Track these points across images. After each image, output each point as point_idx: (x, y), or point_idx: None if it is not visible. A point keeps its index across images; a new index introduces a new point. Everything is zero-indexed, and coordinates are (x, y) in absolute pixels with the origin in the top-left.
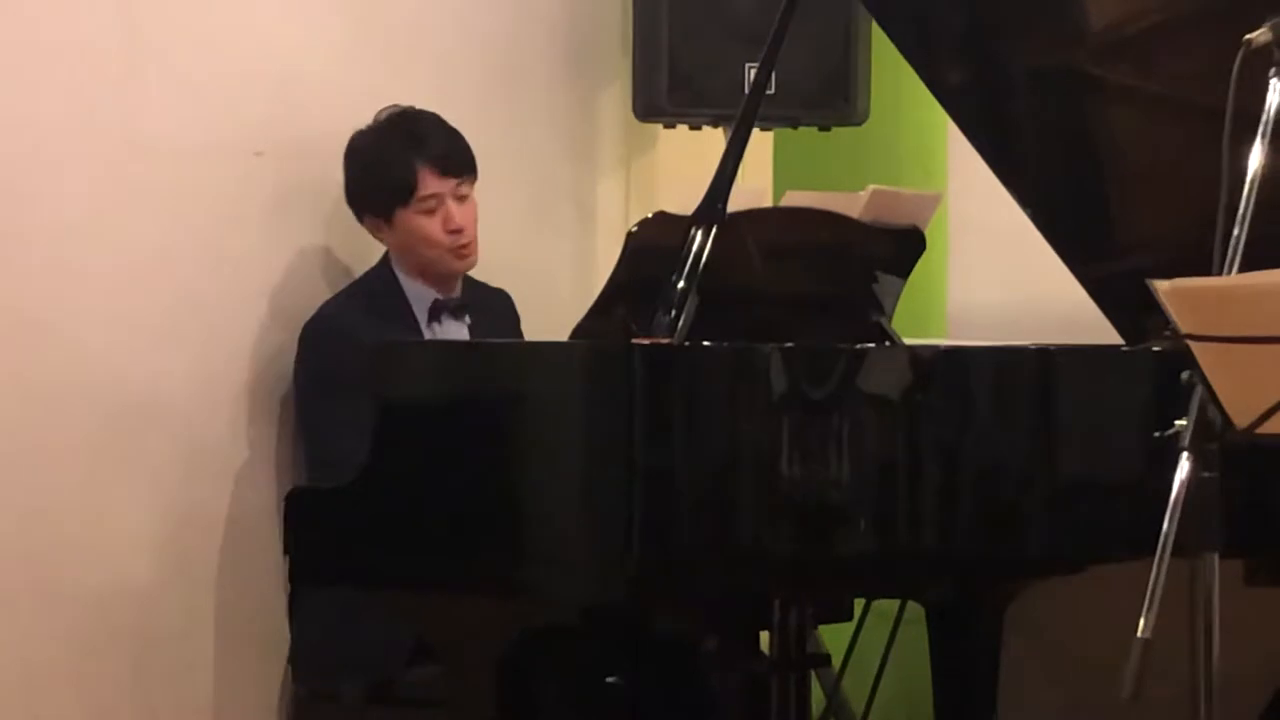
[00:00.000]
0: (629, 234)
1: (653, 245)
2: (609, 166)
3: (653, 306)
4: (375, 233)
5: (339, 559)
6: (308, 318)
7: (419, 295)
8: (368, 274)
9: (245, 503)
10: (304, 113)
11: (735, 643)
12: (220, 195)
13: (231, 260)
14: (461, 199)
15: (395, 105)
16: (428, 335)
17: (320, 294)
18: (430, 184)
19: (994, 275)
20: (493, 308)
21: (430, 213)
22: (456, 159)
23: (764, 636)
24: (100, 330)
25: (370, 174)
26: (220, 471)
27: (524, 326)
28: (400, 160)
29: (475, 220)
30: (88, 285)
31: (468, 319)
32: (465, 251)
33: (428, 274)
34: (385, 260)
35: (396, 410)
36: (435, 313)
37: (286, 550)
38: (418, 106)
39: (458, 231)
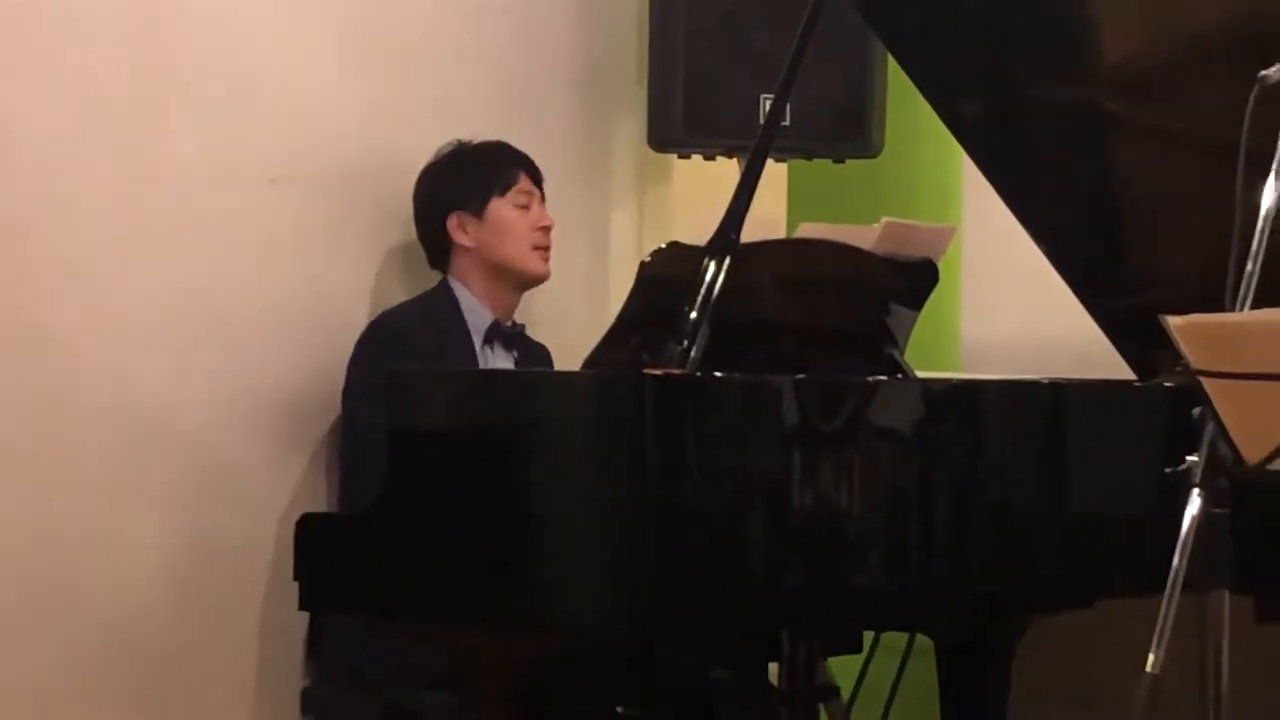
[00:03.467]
0: (642, 264)
1: (665, 276)
2: (623, 196)
3: (665, 337)
4: (457, 234)
5: (349, 586)
6: (322, 341)
7: (477, 316)
8: (428, 292)
9: (258, 526)
10: (319, 141)
11: (744, 674)
12: (235, 221)
13: (246, 285)
14: (544, 212)
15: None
16: (480, 357)
17: (335, 318)
18: (525, 182)
19: (1008, 309)
20: (536, 356)
21: (523, 208)
22: (539, 175)
23: (773, 668)
24: (116, 354)
25: (470, 167)
26: (233, 495)
27: None
28: (503, 155)
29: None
30: (104, 309)
31: (515, 354)
32: (545, 254)
33: (497, 284)
34: (444, 282)
35: (409, 438)
36: (490, 337)
37: (296, 576)
38: (436, 136)
39: (545, 230)
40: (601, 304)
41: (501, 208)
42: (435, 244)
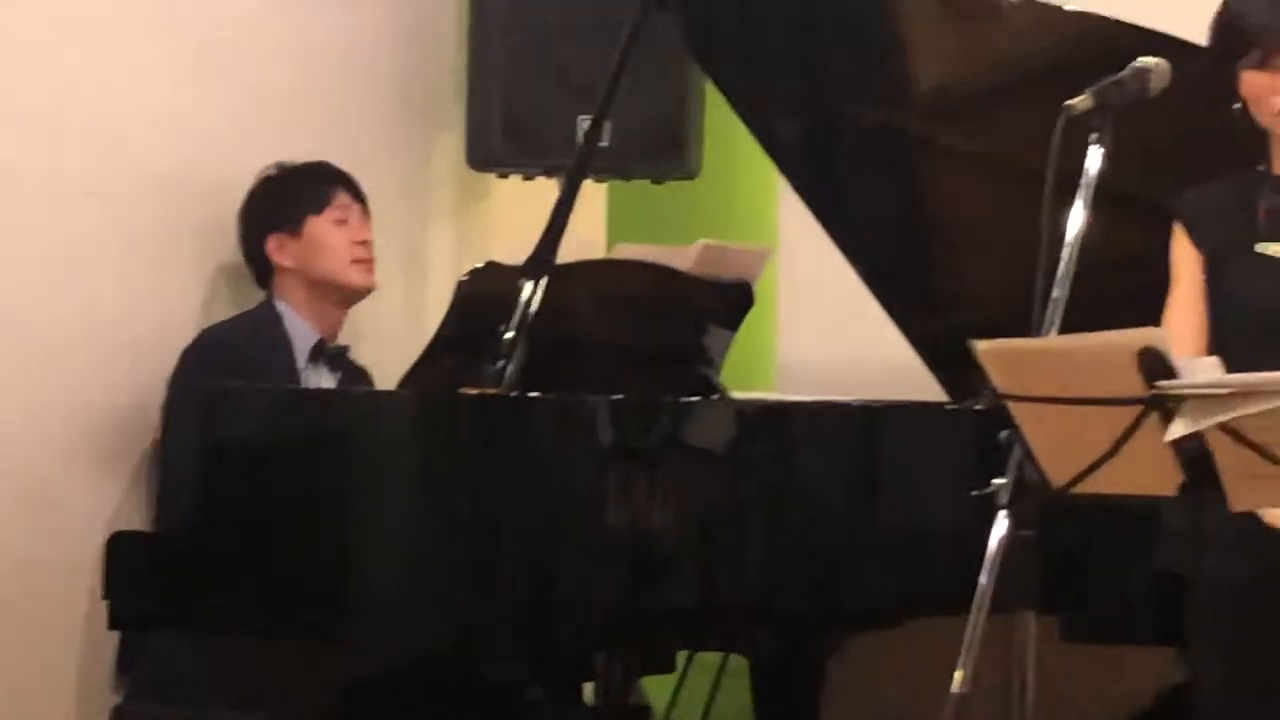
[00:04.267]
0: (459, 283)
1: (483, 295)
2: (442, 215)
3: (482, 356)
4: (277, 254)
5: (159, 604)
6: (143, 358)
7: (302, 335)
8: (253, 309)
9: (75, 544)
10: (139, 155)
11: (558, 692)
12: (52, 236)
13: (65, 300)
14: (366, 226)
15: None
16: (304, 376)
17: (157, 335)
18: (343, 199)
19: (823, 330)
20: (358, 378)
21: (340, 223)
22: (359, 191)
23: (587, 686)
24: None
25: (285, 186)
26: (50, 512)
27: None
28: (318, 174)
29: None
30: None
31: (340, 374)
32: (367, 266)
33: (321, 300)
34: (269, 301)
35: (223, 455)
36: (315, 356)
37: (106, 594)
38: (256, 149)
39: (364, 244)
40: (419, 322)
41: (318, 225)
42: (259, 265)
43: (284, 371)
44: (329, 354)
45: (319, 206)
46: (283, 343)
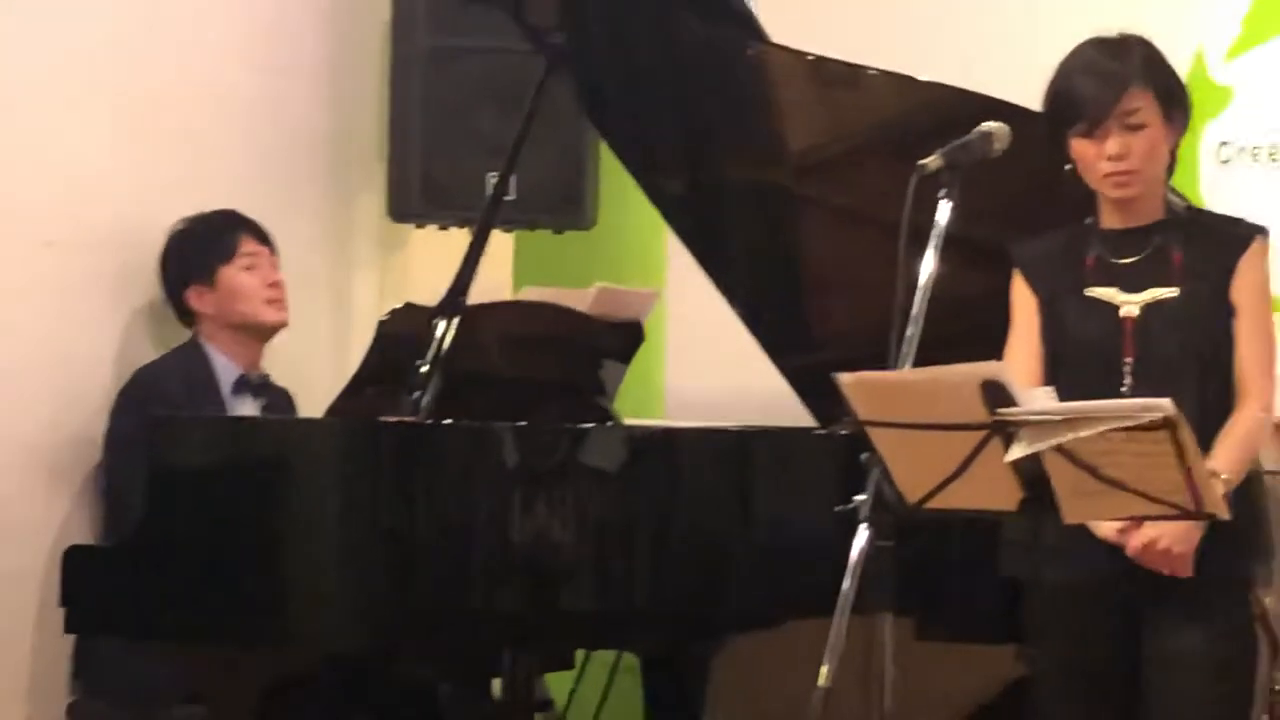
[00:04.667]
0: (380, 322)
1: (401, 333)
2: (365, 262)
3: (400, 388)
4: (195, 302)
5: (112, 612)
6: (94, 390)
7: (226, 370)
8: (181, 347)
9: (26, 557)
10: (90, 206)
11: (469, 688)
12: (11, 283)
13: (21, 340)
14: (274, 265)
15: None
16: (230, 406)
17: (106, 376)
18: (250, 245)
19: (707, 364)
20: (280, 400)
21: (250, 269)
22: (266, 235)
23: (495, 682)
24: None
25: (197, 239)
26: (8, 525)
27: None
28: (224, 225)
29: (284, 285)
30: None
31: (263, 401)
32: (280, 305)
33: (240, 338)
34: (194, 339)
35: (169, 477)
36: (239, 387)
37: (63, 602)
38: (195, 203)
39: (274, 285)
40: (344, 359)
41: (231, 274)
42: (181, 310)
43: (212, 404)
44: (252, 384)
45: (228, 256)
46: (209, 377)
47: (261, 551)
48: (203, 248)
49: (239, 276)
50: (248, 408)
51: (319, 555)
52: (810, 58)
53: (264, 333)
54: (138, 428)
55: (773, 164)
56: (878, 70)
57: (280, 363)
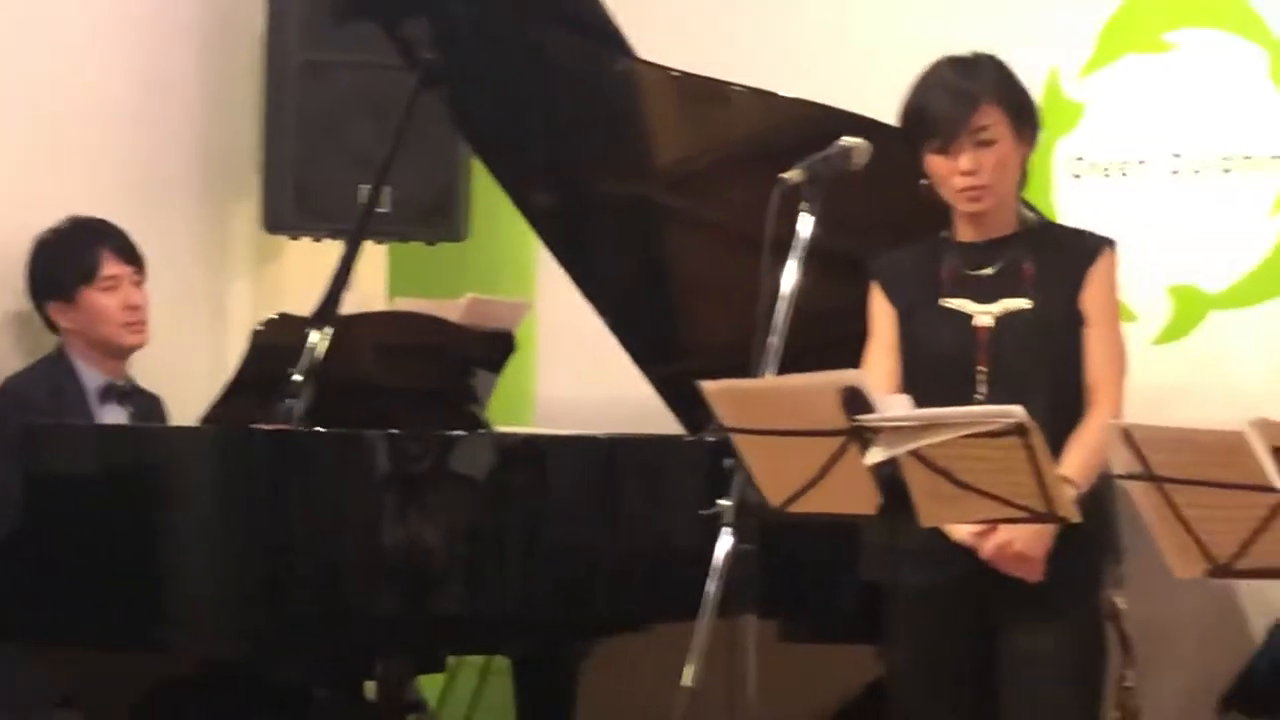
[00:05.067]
0: (254, 332)
1: (275, 342)
2: (241, 272)
3: (274, 396)
4: (58, 317)
5: None
6: None
7: (92, 379)
8: (46, 356)
9: None
10: None
11: (343, 691)
12: None
13: None
14: (137, 284)
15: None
16: (97, 414)
17: None
18: (111, 266)
19: (576, 373)
20: (148, 406)
21: (110, 290)
22: (132, 250)
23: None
24: None
25: (58, 259)
26: None
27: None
28: (86, 245)
29: (148, 306)
30: None
31: (130, 408)
32: (138, 328)
33: (101, 354)
34: (60, 348)
35: (42, 485)
36: (105, 395)
37: None
38: (66, 211)
39: (134, 308)
40: (220, 368)
41: (91, 295)
42: (47, 322)
43: (80, 411)
44: (118, 392)
45: (89, 277)
46: (76, 385)
47: (135, 557)
48: (64, 266)
49: (99, 299)
50: (115, 415)
51: (192, 561)
52: (676, 74)
53: (122, 353)
54: (5, 439)
55: (641, 177)
56: (743, 86)
57: (156, 371)
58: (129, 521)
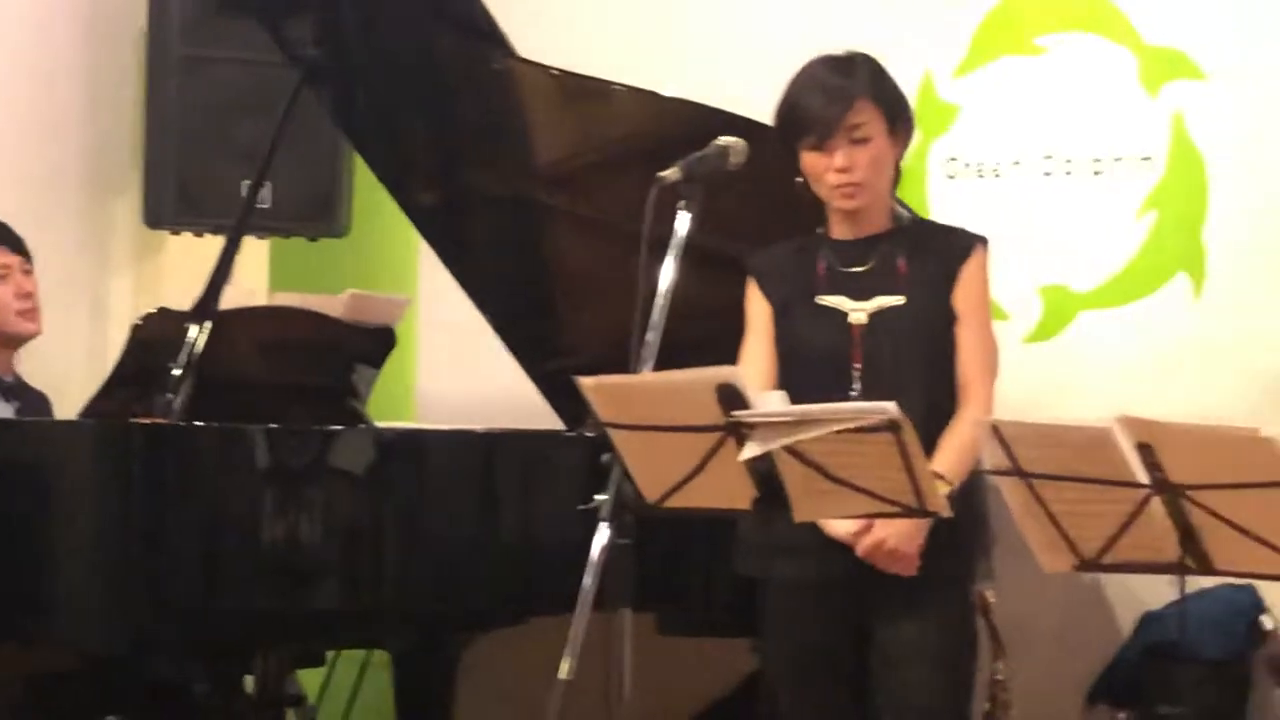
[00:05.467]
0: (134, 326)
1: (155, 337)
2: (121, 267)
3: (153, 390)
4: None
5: None
6: None
7: None
8: None
9: None
10: None
11: (221, 685)
12: None
13: None
14: (27, 273)
15: None
16: None
17: None
18: (1, 255)
19: (457, 368)
20: (35, 403)
21: (1, 280)
22: (18, 241)
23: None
24: None
25: None
26: None
27: None
28: None
29: (37, 293)
30: None
31: (17, 404)
32: (32, 315)
33: None
34: None
35: None
36: None
37: None
38: None
39: (27, 296)
40: (100, 362)
41: None
42: None
43: None
44: (4, 387)
45: None
46: None
47: (12, 551)
48: None
49: None
50: (1, 410)
51: (71, 555)
52: (556, 72)
53: (15, 342)
54: None
55: (522, 175)
56: (623, 85)
57: (37, 365)
58: (10, 515)
